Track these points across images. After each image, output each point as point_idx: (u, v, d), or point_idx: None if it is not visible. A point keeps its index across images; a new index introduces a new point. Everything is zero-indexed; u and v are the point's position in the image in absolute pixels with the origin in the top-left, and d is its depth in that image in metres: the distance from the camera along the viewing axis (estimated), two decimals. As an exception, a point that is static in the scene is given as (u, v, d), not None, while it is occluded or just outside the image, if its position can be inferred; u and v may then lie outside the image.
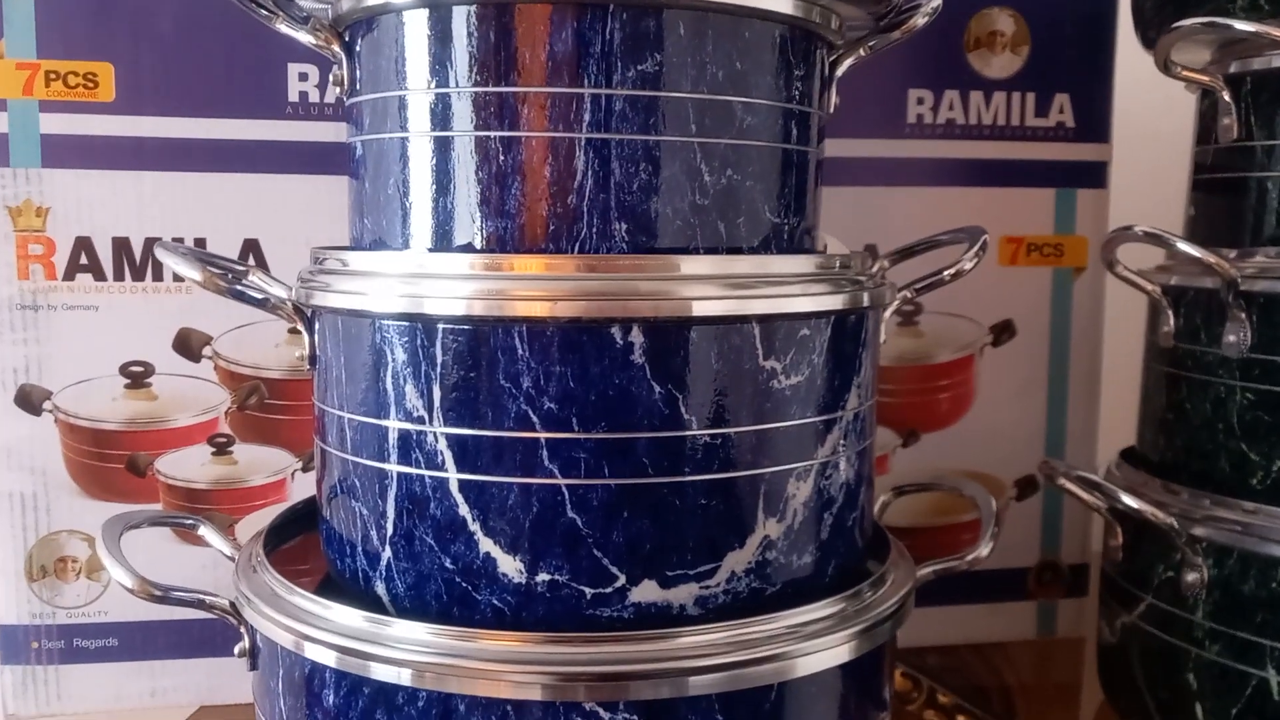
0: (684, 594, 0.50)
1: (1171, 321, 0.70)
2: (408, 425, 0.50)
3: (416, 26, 0.52)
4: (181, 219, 0.75)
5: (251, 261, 0.76)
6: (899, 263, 0.63)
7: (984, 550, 0.62)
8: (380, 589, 0.53)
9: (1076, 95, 0.86)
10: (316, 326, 0.55)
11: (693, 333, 0.49)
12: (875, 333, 0.58)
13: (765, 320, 0.50)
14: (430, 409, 0.50)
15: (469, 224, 0.51)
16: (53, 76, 0.73)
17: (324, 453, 0.56)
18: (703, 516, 0.50)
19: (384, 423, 0.51)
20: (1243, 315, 0.65)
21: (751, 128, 0.52)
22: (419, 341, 0.50)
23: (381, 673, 0.49)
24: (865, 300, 0.55)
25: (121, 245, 0.75)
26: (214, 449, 0.78)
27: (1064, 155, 0.87)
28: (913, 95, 0.85)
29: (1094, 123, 0.86)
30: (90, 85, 0.73)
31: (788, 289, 0.51)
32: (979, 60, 0.86)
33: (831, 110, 0.58)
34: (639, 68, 0.50)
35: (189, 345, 0.77)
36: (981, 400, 0.88)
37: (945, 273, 0.60)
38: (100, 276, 0.75)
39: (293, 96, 0.76)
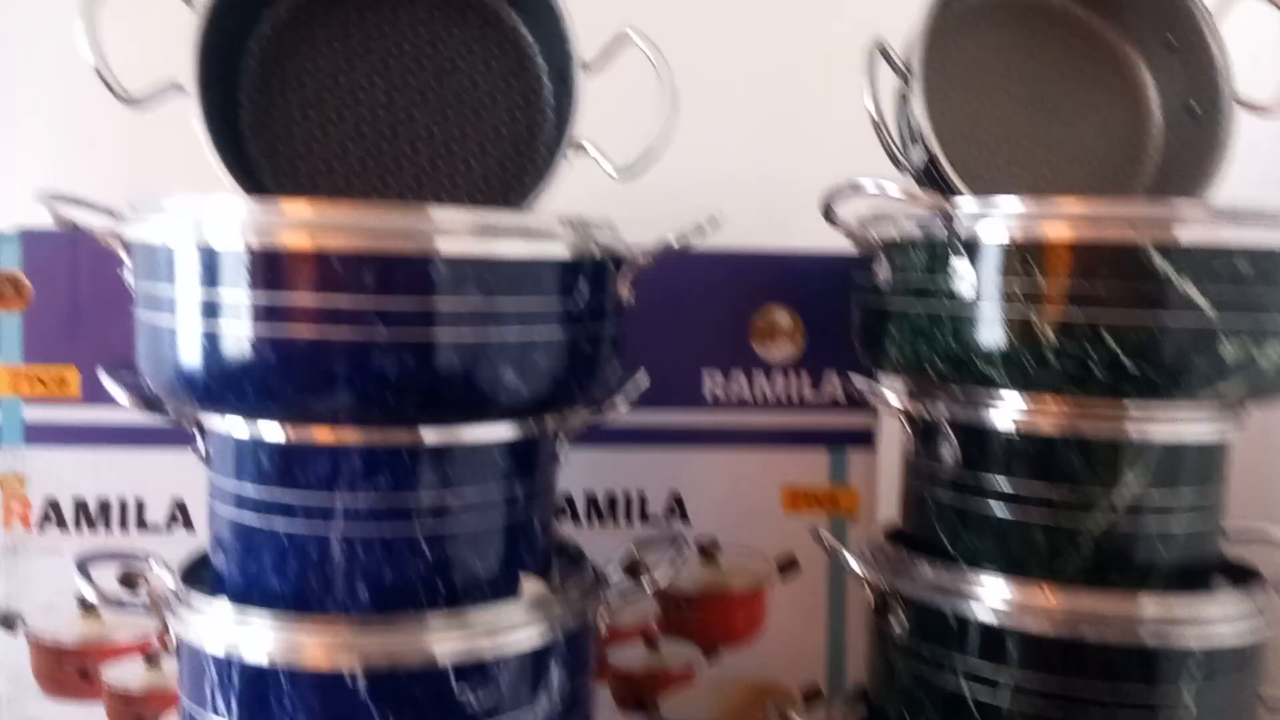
0: None
1: None
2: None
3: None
4: (126, 485, 0.97)
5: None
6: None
7: None
8: None
9: (844, 375, 1.05)
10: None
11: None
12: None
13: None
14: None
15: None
16: (33, 378, 0.96)
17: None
18: None
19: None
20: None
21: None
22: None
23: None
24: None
25: (80, 505, 0.97)
26: (147, 661, 0.99)
27: (836, 423, 1.05)
28: (706, 374, 1.04)
29: (861, 395, 1.02)
30: (60, 384, 0.96)
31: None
32: (761, 347, 1.04)
33: None
34: None
35: (132, 581, 0.98)
36: (771, 622, 1.06)
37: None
38: (64, 529, 0.97)
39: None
